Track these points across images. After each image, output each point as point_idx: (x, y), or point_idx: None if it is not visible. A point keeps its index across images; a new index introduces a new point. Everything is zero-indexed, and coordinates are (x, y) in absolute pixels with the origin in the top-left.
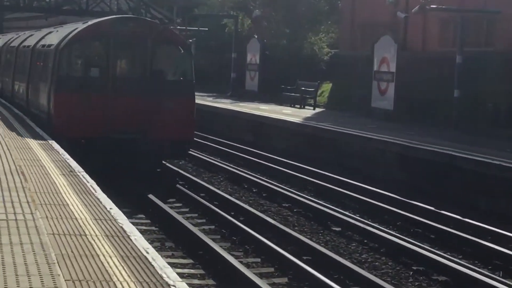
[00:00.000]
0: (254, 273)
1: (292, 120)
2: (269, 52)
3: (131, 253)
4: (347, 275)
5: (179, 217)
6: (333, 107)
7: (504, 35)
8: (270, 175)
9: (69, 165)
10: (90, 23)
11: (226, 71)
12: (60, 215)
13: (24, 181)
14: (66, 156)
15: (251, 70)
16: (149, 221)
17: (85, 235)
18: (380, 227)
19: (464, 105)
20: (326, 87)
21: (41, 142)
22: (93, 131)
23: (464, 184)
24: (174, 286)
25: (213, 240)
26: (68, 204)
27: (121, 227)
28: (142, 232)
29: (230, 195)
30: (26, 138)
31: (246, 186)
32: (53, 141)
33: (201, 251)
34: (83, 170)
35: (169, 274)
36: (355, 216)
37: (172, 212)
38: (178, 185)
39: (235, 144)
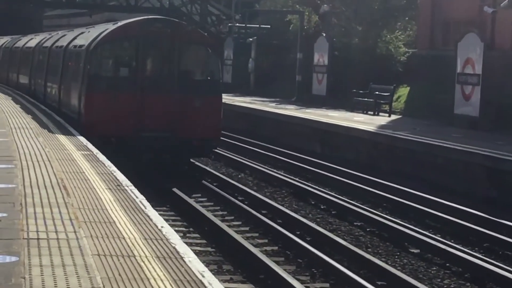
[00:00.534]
0: None
1: (364, 129)
2: (338, 52)
3: (185, 277)
4: None
5: (238, 237)
6: (411, 113)
7: None
8: (340, 190)
9: (116, 178)
10: (119, 24)
11: (290, 73)
12: (106, 234)
13: (67, 196)
14: (113, 168)
15: (318, 72)
16: (204, 241)
17: (134, 256)
18: (465, 249)
19: None
20: (403, 91)
21: (86, 153)
22: (122, 129)
23: None
24: None
25: (276, 262)
26: (114, 222)
27: (174, 248)
28: (197, 253)
29: (295, 212)
30: (67, 148)
31: (313, 203)
32: (99, 152)
33: (263, 275)
34: (131, 184)
35: None
36: (435, 237)
37: (230, 231)
38: (237, 201)
39: (301, 155)
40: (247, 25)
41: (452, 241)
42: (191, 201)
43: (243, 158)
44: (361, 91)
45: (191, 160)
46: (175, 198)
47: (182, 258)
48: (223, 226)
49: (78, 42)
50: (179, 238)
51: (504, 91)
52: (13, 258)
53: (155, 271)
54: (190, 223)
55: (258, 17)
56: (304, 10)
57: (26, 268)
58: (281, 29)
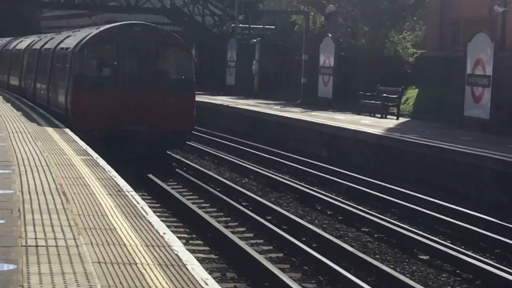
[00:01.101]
0: None
1: (372, 132)
2: (345, 53)
3: (187, 285)
4: None
5: (242, 244)
6: (419, 116)
7: None
8: (347, 195)
9: (117, 183)
10: (102, 28)
11: (295, 75)
12: (106, 241)
13: (66, 202)
14: (113, 173)
15: (324, 74)
16: (208, 248)
17: (136, 264)
18: (475, 256)
19: None
20: (412, 93)
21: (85, 158)
22: (105, 123)
23: None
24: None
25: (282, 270)
26: (115, 228)
27: (176, 255)
28: (200, 260)
29: (300, 218)
30: (67, 153)
31: (319, 208)
32: (99, 157)
33: (268, 283)
34: (132, 190)
35: None
36: (445, 243)
37: (234, 238)
38: (241, 207)
39: (306, 160)
40: (251, 26)
41: (463, 247)
42: (194, 207)
43: (247, 162)
44: (368, 93)
45: (192, 164)
46: (178, 205)
47: (185, 265)
48: (227, 232)
49: (65, 44)
50: (182, 245)
51: None
52: (11, 266)
53: (157, 279)
54: (193, 229)
55: (262, 17)
56: (310, 10)
57: (24, 277)
58: (286, 30)
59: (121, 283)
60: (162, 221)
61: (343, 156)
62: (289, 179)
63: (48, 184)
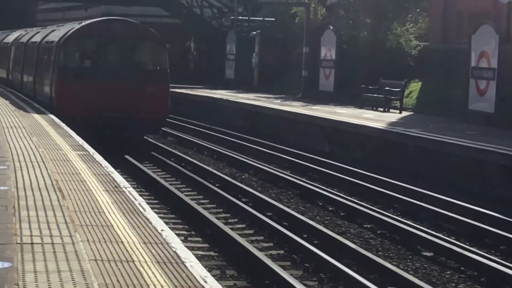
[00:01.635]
0: None
1: (374, 126)
2: (346, 46)
3: (186, 283)
4: None
5: (242, 240)
6: (423, 110)
7: None
8: (349, 191)
9: (114, 179)
10: (84, 23)
11: (296, 68)
12: (103, 238)
13: (62, 198)
14: (110, 169)
15: (325, 67)
16: (207, 245)
17: (133, 261)
18: (480, 252)
19: None
20: (415, 86)
21: (81, 153)
22: (87, 110)
23: None
24: None
25: (282, 267)
26: (112, 225)
27: (175, 252)
28: (199, 257)
29: (302, 214)
30: (62, 148)
31: (320, 204)
32: (95, 152)
33: (269, 280)
34: (129, 186)
35: None
36: (449, 239)
37: (234, 234)
38: (240, 203)
39: (307, 155)
40: (250, 18)
41: (467, 243)
42: (192, 203)
43: (247, 157)
44: (371, 87)
45: (191, 159)
46: (175, 200)
47: (183, 263)
48: (226, 229)
49: (50, 38)
50: (180, 242)
51: None
52: (6, 264)
53: (155, 276)
54: (192, 226)
55: (261, 9)
56: (310, 2)
57: (19, 275)
58: (286, 22)
59: (118, 281)
60: (160, 217)
61: (345, 151)
62: (290, 174)
63: (44, 180)
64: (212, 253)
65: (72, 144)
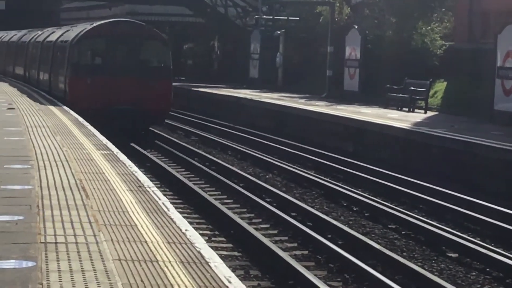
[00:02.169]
0: None
1: (399, 126)
2: (371, 45)
3: (210, 283)
4: None
5: (266, 240)
6: (448, 110)
7: None
8: (373, 191)
9: (137, 179)
10: (94, 24)
11: (320, 68)
12: (127, 238)
13: (86, 198)
14: (134, 168)
15: (350, 66)
16: (231, 245)
17: (157, 261)
18: (506, 254)
19: None
20: (440, 86)
21: (105, 152)
22: (97, 104)
23: None
24: None
25: (307, 267)
26: (136, 225)
27: (199, 252)
28: (223, 258)
29: (326, 214)
30: (86, 147)
31: (345, 204)
32: (119, 151)
33: (293, 281)
34: (153, 185)
35: None
36: (475, 240)
37: (258, 234)
38: (264, 203)
39: (332, 155)
40: (275, 17)
41: (493, 244)
42: (216, 203)
43: (271, 157)
44: (396, 87)
45: (215, 159)
46: (199, 200)
47: (207, 263)
48: (250, 229)
49: (64, 38)
50: (204, 242)
51: None
52: (30, 263)
53: (179, 276)
54: (216, 226)
55: (286, 9)
56: (335, 1)
57: (43, 274)
58: (311, 21)
59: (142, 281)
60: (184, 217)
61: (370, 151)
62: (314, 174)
63: (68, 179)
64: (236, 253)
65: (96, 144)
